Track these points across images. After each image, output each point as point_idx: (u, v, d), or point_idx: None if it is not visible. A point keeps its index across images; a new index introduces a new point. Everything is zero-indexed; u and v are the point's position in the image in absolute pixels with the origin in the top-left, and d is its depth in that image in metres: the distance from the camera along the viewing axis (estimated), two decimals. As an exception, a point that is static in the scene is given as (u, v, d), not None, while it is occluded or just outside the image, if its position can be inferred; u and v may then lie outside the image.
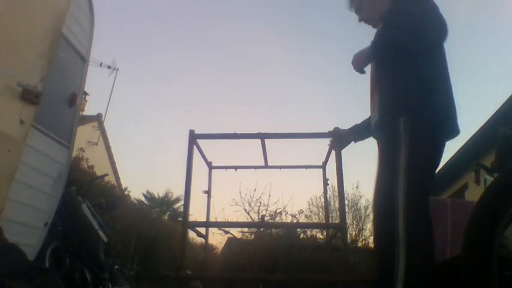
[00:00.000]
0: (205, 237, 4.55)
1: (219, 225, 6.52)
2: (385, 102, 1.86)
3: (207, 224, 4.66)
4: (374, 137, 2.05)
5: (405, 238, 1.55)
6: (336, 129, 2.74)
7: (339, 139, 2.69)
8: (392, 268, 1.56)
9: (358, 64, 1.94)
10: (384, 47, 1.86)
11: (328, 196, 4.29)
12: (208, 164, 4.40)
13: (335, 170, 2.92)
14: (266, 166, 4.14)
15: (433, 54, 1.84)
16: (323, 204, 8.77)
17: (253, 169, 4.50)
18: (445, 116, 1.78)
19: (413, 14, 1.77)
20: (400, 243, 1.55)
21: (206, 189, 4.22)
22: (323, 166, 4.18)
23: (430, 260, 1.58)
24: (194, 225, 3.84)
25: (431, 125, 1.73)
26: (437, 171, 1.84)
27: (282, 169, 4.45)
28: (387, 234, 1.65)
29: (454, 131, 1.84)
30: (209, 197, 4.43)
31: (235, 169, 4.40)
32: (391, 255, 1.59)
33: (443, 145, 1.83)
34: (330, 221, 4.96)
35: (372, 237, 12.54)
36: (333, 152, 3.21)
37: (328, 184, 4.04)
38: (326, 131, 3.34)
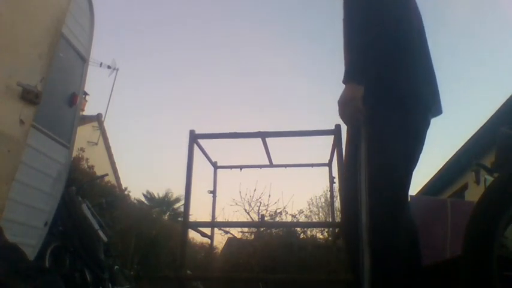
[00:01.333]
0: (211, 237, 4.55)
1: (223, 225, 6.53)
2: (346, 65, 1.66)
3: (213, 224, 4.66)
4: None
5: (368, 239, 1.45)
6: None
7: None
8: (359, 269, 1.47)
9: None
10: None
11: (328, 196, 4.30)
12: (213, 164, 4.41)
13: (336, 170, 2.92)
14: (271, 165, 4.15)
15: (395, 17, 1.57)
16: (323, 204, 8.80)
17: (257, 168, 4.52)
18: (416, 94, 1.59)
19: None
20: (364, 244, 1.45)
21: (207, 189, 4.22)
22: (329, 164, 4.19)
23: (395, 258, 1.47)
24: (197, 225, 3.84)
25: (398, 109, 1.56)
26: (415, 161, 1.63)
27: (286, 168, 4.46)
28: (352, 233, 1.53)
29: (432, 109, 1.66)
30: (214, 196, 4.43)
31: (241, 169, 4.41)
32: (357, 254, 1.49)
33: (422, 126, 1.63)
34: (335, 219, 4.96)
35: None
36: (336, 151, 3.21)
37: (334, 182, 4.05)
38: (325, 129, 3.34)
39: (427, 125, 1.66)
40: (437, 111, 1.72)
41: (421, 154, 1.65)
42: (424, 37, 1.75)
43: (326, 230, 7.10)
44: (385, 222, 1.48)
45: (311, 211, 8.59)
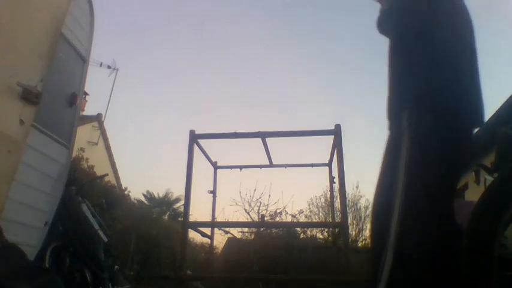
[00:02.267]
0: (211, 237, 4.55)
1: (223, 225, 6.53)
2: (392, 93, 1.74)
3: (213, 225, 4.66)
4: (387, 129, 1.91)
5: (395, 241, 1.46)
6: None
7: None
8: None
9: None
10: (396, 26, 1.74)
11: (328, 196, 4.31)
12: (213, 164, 4.41)
13: (336, 170, 2.92)
14: (271, 165, 4.15)
15: (446, 41, 1.65)
16: (323, 204, 8.80)
17: (257, 168, 4.52)
18: (460, 106, 1.60)
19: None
20: (390, 245, 1.46)
21: (207, 189, 4.22)
22: (329, 164, 4.19)
23: (420, 265, 1.45)
24: (197, 225, 3.85)
25: (442, 118, 1.57)
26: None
27: (286, 168, 4.47)
28: (381, 236, 1.54)
29: (474, 122, 1.68)
30: (214, 196, 4.44)
31: (241, 169, 4.42)
32: (381, 256, 1.49)
33: (464, 136, 1.64)
34: (335, 219, 4.96)
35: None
36: (336, 151, 3.21)
37: (334, 182, 4.06)
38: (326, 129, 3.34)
39: (468, 136, 1.69)
40: (479, 122, 1.73)
41: (467, 165, 1.69)
42: (475, 55, 1.75)
43: (326, 230, 7.09)
44: (415, 228, 1.47)
45: (311, 211, 8.58)
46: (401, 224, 1.47)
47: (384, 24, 1.79)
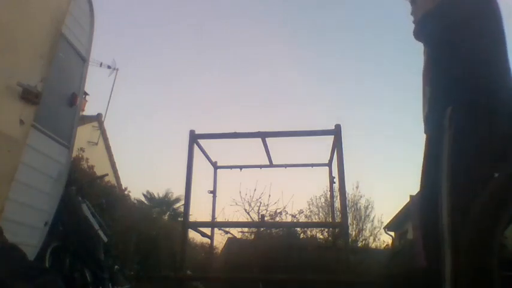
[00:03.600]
0: (211, 237, 4.55)
1: (223, 225, 6.53)
2: (433, 93, 1.77)
3: (213, 225, 4.66)
4: (424, 132, 1.92)
5: (451, 239, 1.47)
6: None
7: None
8: (438, 267, 1.49)
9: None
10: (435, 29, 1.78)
11: (328, 196, 4.32)
12: (213, 164, 4.41)
13: (336, 170, 2.92)
14: (271, 165, 4.15)
15: (485, 31, 1.69)
16: (323, 204, 8.80)
17: (257, 168, 4.52)
18: (504, 103, 1.60)
19: None
20: (446, 243, 1.47)
21: (207, 189, 4.22)
22: (329, 164, 4.19)
23: (483, 260, 1.40)
24: (197, 225, 3.84)
25: (484, 117, 1.57)
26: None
27: (286, 168, 4.46)
28: (431, 234, 1.57)
29: None
30: (214, 197, 4.44)
31: (240, 169, 4.41)
32: (435, 253, 1.51)
33: (506, 134, 1.62)
34: (335, 219, 4.96)
35: (371, 238, 12.53)
36: (336, 151, 3.20)
37: (334, 182, 4.06)
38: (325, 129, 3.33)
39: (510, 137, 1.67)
40: None
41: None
42: (507, 44, 1.76)
43: (326, 230, 7.09)
44: (463, 227, 1.46)
45: (311, 211, 8.58)
46: (452, 225, 1.48)
47: (421, 32, 1.83)
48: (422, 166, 1.80)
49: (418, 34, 1.85)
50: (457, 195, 1.51)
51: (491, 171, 1.56)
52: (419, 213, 1.81)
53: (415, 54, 1.90)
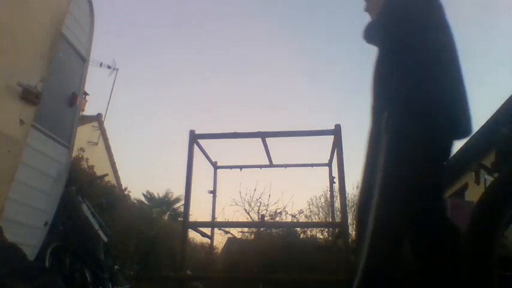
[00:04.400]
0: (211, 237, 4.54)
1: (223, 225, 6.54)
2: (375, 95, 1.80)
3: (213, 225, 4.66)
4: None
5: (369, 241, 1.50)
6: None
7: None
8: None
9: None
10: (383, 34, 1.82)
11: (328, 196, 4.31)
12: (213, 164, 4.41)
13: (336, 169, 2.92)
14: (271, 165, 4.15)
15: (429, 39, 1.71)
16: (323, 204, 8.81)
17: (257, 168, 4.52)
18: (444, 111, 1.63)
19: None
20: (366, 244, 1.50)
21: (207, 189, 4.22)
22: (329, 164, 4.18)
23: (388, 267, 1.50)
24: (197, 225, 3.84)
25: (422, 124, 1.60)
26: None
27: (286, 168, 4.47)
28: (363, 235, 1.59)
29: (459, 130, 1.70)
30: (214, 197, 4.43)
31: (240, 169, 4.41)
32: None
33: (446, 144, 1.68)
34: (335, 219, 4.96)
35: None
36: (336, 151, 3.20)
37: (334, 182, 4.05)
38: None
39: (449, 146, 1.71)
40: (465, 131, 1.74)
41: (443, 175, 1.71)
42: (457, 57, 1.78)
43: (326, 230, 7.09)
44: (387, 230, 1.51)
45: (311, 211, 8.58)
46: (375, 224, 1.50)
47: (371, 34, 1.86)
48: (363, 166, 1.83)
49: (368, 37, 1.88)
50: (387, 195, 1.53)
51: (423, 175, 1.58)
52: (357, 211, 1.84)
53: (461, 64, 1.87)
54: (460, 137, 1.75)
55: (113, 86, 12.26)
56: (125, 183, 13.63)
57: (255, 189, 7.55)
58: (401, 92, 1.66)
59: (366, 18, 1.99)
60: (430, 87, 1.64)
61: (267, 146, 3.63)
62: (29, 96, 2.64)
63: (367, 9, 2.02)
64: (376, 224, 1.50)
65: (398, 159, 1.57)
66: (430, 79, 1.66)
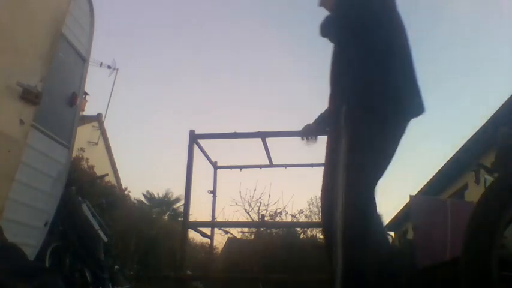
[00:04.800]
0: (211, 237, 4.53)
1: (223, 225, 6.53)
2: (332, 92, 1.84)
3: (213, 224, 4.65)
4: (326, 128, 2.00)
5: (342, 240, 1.51)
6: (306, 125, 2.49)
7: (309, 133, 2.44)
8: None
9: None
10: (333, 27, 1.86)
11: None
12: (213, 164, 4.40)
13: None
14: (271, 165, 4.14)
15: (382, 33, 1.75)
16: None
17: (257, 168, 4.51)
18: (395, 100, 1.68)
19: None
20: (338, 244, 1.51)
21: (207, 189, 4.20)
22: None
23: (367, 262, 1.54)
24: (197, 225, 3.84)
25: (377, 114, 1.65)
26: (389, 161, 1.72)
27: (286, 168, 4.45)
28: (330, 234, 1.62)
29: (411, 111, 1.75)
30: (214, 197, 4.42)
31: (240, 169, 4.40)
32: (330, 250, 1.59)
33: (401, 127, 1.73)
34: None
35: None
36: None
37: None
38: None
39: (402, 127, 1.74)
40: (419, 111, 1.77)
41: (394, 158, 1.73)
42: (408, 48, 1.81)
43: (326, 230, 7.08)
44: (356, 223, 1.54)
45: (311, 211, 8.58)
46: (344, 226, 1.53)
47: (326, 29, 1.89)
48: (325, 162, 1.85)
49: (323, 32, 1.91)
50: (350, 193, 1.55)
51: (381, 171, 1.64)
52: (322, 210, 1.88)
53: (415, 55, 1.91)
54: (414, 116, 1.78)
55: (113, 86, 12.28)
56: (125, 183, 13.65)
57: (255, 189, 7.57)
58: (359, 89, 1.69)
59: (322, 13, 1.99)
60: (384, 79, 1.68)
61: (267, 146, 3.61)
62: (29, 96, 2.64)
63: (322, 4, 2.02)
64: (346, 224, 1.52)
65: (360, 155, 1.61)
66: (384, 71, 1.69)
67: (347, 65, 1.76)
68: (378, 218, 1.72)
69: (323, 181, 1.85)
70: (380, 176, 1.66)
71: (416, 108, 1.75)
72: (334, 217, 1.55)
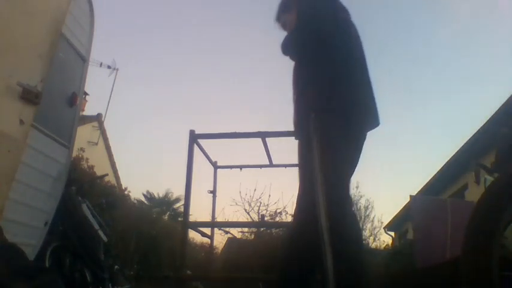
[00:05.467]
0: (211, 237, 4.53)
1: (223, 225, 6.53)
2: (298, 102, 1.94)
3: (213, 224, 4.66)
4: (295, 138, 2.08)
5: (330, 242, 1.56)
6: None
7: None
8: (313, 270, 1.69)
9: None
10: (294, 44, 2.00)
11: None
12: (213, 164, 4.41)
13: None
14: (271, 165, 4.14)
15: (338, 49, 1.91)
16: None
17: (257, 168, 4.51)
18: (355, 108, 1.84)
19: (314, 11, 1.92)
20: (326, 247, 1.55)
21: (207, 189, 4.21)
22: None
23: (357, 262, 1.63)
24: (197, 225, 3.84)
25: (341, 119, 1.79)
26: (352, 169, 1.88)
27: (286, 168, 4.46)
28: (309, 236, 1.70)
29: (370, 123, 1.91)
30: (214, 196, 4.42)
31: (240, 169, 4.41)
32: (309, 258, 1.72)
33: (360, 138, 1.91)
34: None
35: (371, 238, 12.49)
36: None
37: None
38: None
39: (363, 136, 1.93)
40: (375, 123, 1.94)
41: (359, 161, 1.92)
42: (364, 62, 2.00)
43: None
44: (337, 221, 1.61)
45: (311, 211, 8.57)
46: (331, 228, 1.59)
47: (287, 47, 2.03)
48: (299, 170, 1.96)
49: (283, 50, 2.05)
50: (331, 194, 1.65)
51: (344, 172, 1.77)
52: (297, 215, 1.96)
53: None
54: (371, 128, 1.96)
55: (113, 86, 12.28)
56: (125, 183, 13.65)
57: (255, 189, 7.56)
58: (323, 96, 1.85)
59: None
60: (342, 91, 1.84)
61: (267, 146, 3.62)
62: (29, 96, 2.64)
63: (282, 27, 2.22)
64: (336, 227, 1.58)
65: (335, 160, 1.73)
66: (341, 84, 1.86)
67: (307, 80, 1.92)
68: (354, 215, 1.86)
69: (300, 185, 1.91)
70: (346, 177, 1.79)
71: (374, 120, 1.92)
72: (317, 218, 1.61)
